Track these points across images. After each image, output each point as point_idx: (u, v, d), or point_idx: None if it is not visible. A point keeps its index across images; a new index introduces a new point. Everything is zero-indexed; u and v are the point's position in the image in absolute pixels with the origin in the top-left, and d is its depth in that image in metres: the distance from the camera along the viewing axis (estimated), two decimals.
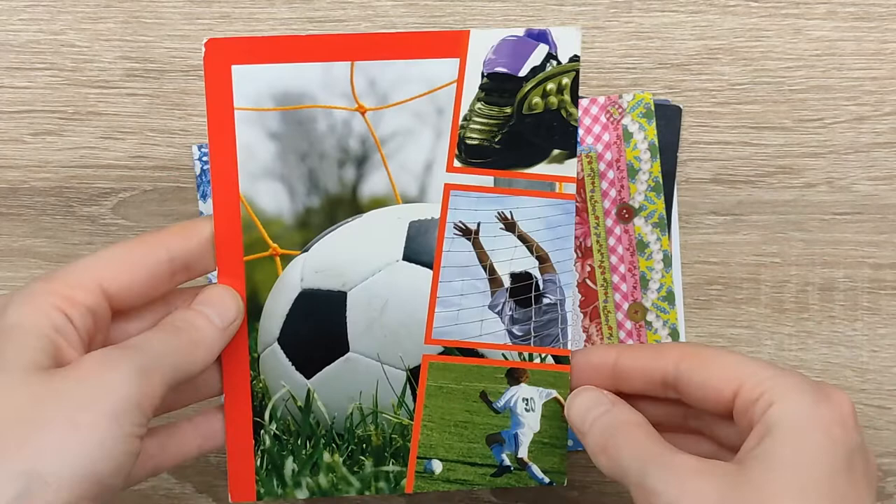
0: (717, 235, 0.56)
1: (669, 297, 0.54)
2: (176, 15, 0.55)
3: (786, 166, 0.56)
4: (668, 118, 0.54)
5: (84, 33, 0.55)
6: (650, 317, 0.54)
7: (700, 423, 0.45)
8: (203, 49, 0.44)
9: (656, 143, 0.54)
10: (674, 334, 0.54)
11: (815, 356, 0.57)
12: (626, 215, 0.54)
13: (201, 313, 0.43)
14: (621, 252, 0.54)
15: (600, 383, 0.46)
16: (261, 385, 0.47)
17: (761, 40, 0.56)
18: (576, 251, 0.54)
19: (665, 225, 0.54)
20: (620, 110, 0.54)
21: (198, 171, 0.54)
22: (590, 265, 0.54)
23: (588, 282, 0.54)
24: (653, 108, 0.54)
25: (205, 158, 0.54)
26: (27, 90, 0.55)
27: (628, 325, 0.54)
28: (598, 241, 0.54)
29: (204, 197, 0.54)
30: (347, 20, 0.55)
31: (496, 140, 0.46)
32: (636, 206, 0.54)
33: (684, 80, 0.56)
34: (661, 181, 0.54)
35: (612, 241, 0.54)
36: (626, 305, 0.54)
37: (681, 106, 0.54)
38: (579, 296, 0.54)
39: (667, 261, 0.54)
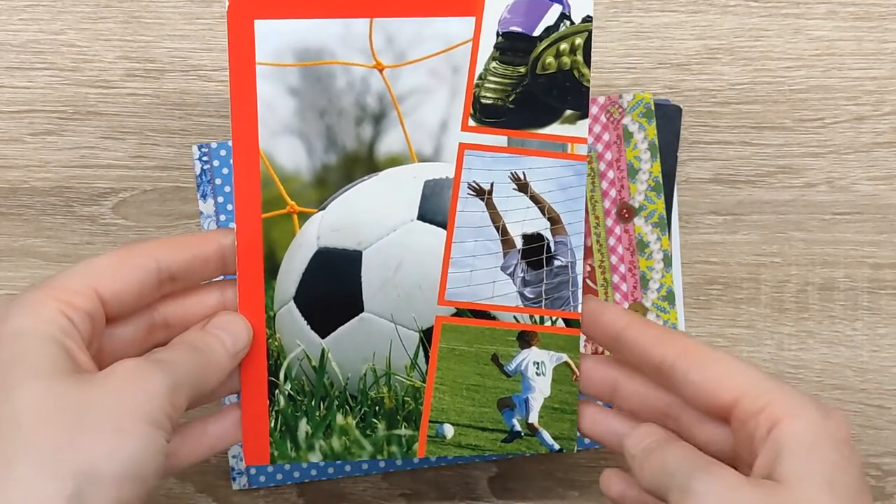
0: (717, 235, 0.56)
1: (669, 297, 0.54)
2: (176, 15, 0.55)
3: (786, 166, 0.56)
4: (668, 118, 0.54)
5: (84, 33, 0.55)
6: (650, 316, 0.54)
7: (682, 420, 0.45)
8: (227, 3, 0.44)
9: (656, 142, 0.54)
10: None
11: (815, 356, 0.57)
12: (626, 215, 0.54)
13: (217, 337, 0.44)
14: (621, 252, 0.54)
15: (601, 341, 0.47)
16: (276, 344, 0.47)
17: (761, 40, 0.56)
18: None
19: (665, 225, 0.54)
20: (620, 110, 0.54)
21: (198, 170, 0.54)
22: (590, 265, 0.54)
23: (588, 282, 0.54)
24: (653, 107, 0.54)
25: (205, 158, 0.54)
26: (27, 90, 0.55)
27: None
28: (598, 241, 0.54)
29: (204, 197, 0.54)
30: None
31: (510, 99, 0.46)
32: (636, 205, 0.54)
33: (684, 80, 0.56)
34: (661, 181, 0.54)
35: (612, 241, 0.54)
36: (626, 305, 0.54)
37: (681, 106, 0.54)
38: None
39: (667, 261, 0.54)
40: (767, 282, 0.56)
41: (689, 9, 0.56)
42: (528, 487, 0.56)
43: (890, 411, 0.57)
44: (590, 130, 0.54)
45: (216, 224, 0.54)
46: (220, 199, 0.54)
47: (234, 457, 0.54)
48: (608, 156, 0.54)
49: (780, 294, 0.56)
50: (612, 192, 0.54)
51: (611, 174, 0.54)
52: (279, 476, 0.54)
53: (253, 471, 0.54)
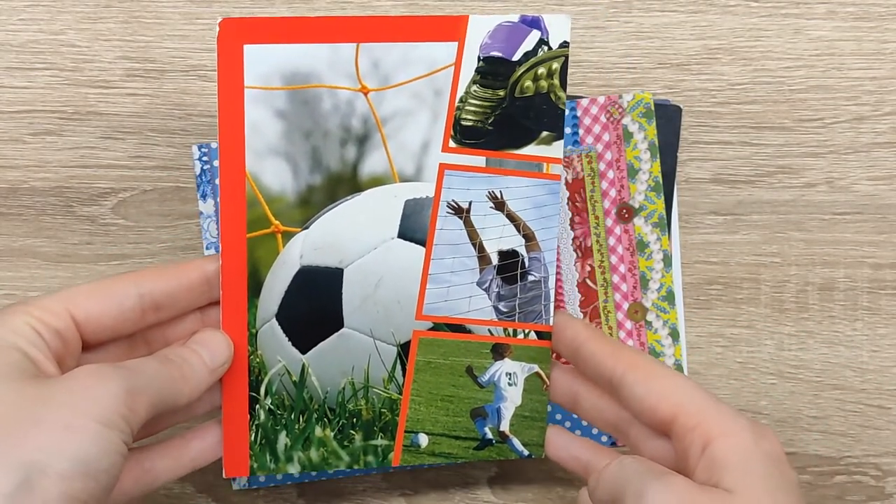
0: (717, 235, 0.56)
1: (669, 297, 0.54)
2: (176, 15, 0.55)
3: (786, 166, 0.56)
4: (668, 118, 0.54)
5: (84, 33, 0.55)
6: (650, 317, 0.54)
7: (631, 435, 0.47)
8: (217, 28, 0.45)
9: (656, 142, 0.54)
10: (674, 334, 0.54)
11: (815, 356, 0.57)
12: (626, 215, 0.54)
13: (195, 352, 0.45)
14: (621, 252, 0.54)
15: (564, 354, 0.49)
16: (258, 360, 0.48)
17: (761, 40, 0.56)
18: (576, 251, 0.54)
19: (665, 225, 0.54)
20: (620, 110, 0.54)
21: (198, 171, 0.54)
22: (590, 265, 0.54)
23: (588, 282, 0.54)
24: (653, 107, 0.54)
25: (205, 158, 0.54)
26: (27, 90, 0.55)
27: (628, 325, 0.54)
28: (598, 241, 0.54)
29: (204, 197, 0.54)
30: None
31: (489, 122, 0.47)
32: (636, 205, 0.54)
33: (684, 80, 0.56)
34: (661, 181, 0.54)
35: (612, 241, 0.54)
36: (626, 305, 0.54)
37: (681, 106, 0.54)
38: (579, 296, 0.54)
39: (667, 261, 0.54)
40: (767, 282, 0.56)
41: (689, 9, 0.56)
42: (528, 487, 0.56)
43: (890, 411, 0.57)
44: (589, 130, 0.54)
45: (216, 224, 0.54)
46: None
47: None
48: (608, 156, 0.54)
49: (780, 294, 0.56)
50: (612, 192, 0.54)
51: (611, 174, 0.54)
52: (279, 476, 0.54)
53: None
